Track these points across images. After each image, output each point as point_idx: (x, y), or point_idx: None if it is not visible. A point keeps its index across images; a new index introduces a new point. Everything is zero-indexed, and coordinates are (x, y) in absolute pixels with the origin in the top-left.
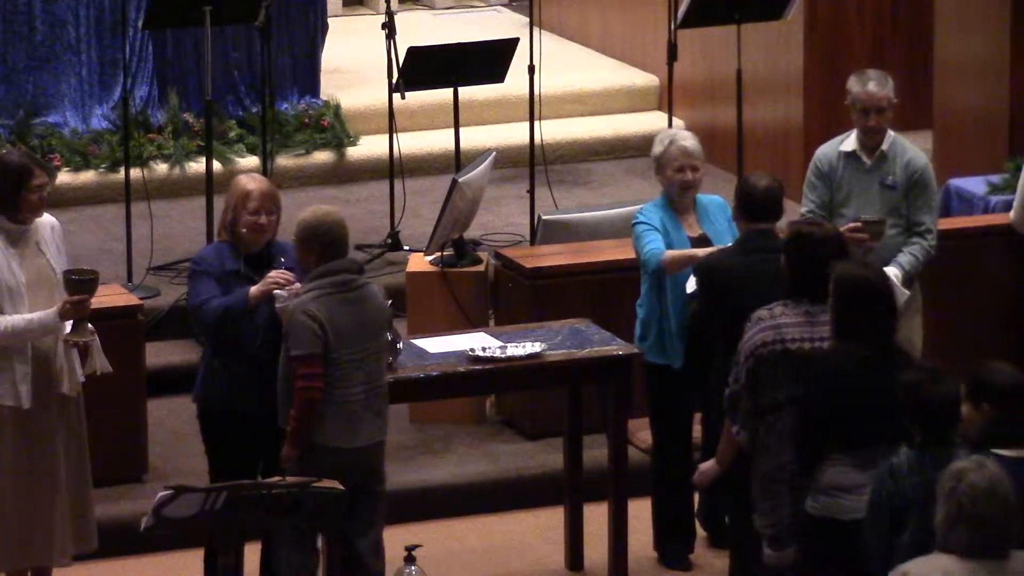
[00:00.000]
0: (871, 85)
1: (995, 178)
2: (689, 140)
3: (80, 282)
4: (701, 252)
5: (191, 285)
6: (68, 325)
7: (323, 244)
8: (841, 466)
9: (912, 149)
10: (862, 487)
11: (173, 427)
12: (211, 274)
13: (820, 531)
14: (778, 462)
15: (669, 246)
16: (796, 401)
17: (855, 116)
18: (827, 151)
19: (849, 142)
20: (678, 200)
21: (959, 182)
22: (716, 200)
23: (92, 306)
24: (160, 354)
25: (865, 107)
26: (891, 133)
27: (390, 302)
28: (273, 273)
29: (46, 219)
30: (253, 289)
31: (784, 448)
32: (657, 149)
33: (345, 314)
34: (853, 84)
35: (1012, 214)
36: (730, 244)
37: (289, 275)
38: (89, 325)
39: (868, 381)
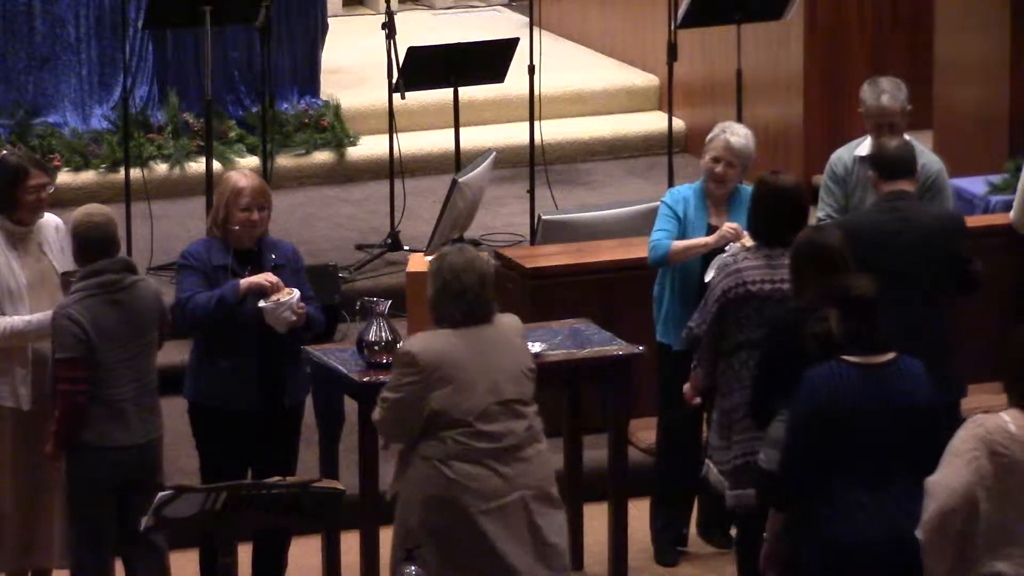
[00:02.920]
0: (884, 99)
1: (995, 178)
2: (737, 137)
3: None
4: (705, 241)
5: (179, 279)
6: None
7: (81, 245)
8: (784, 422)
9: (927, 153)
10: None
11: (173, 427)
12: (199, 269)
13: (768, 484)
14: (732, 403)
15: (682, 234)
16: (753, 344)
17: (868, 126)
18: (842, 155)
19: (864, 146)
20: (708, 187)
21: (959, 182)
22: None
23: None
24: (160, 354)
25: (877, 122)
26: (906, 138)
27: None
28: (262, 276)
29: (50, 220)
30: (243, 281)
31: (739, 390)
32: (709, 136)
33: (110, 314)
34: (866, 95)
35: (1012, 214)
36: None
37: (277, 281)
38: None
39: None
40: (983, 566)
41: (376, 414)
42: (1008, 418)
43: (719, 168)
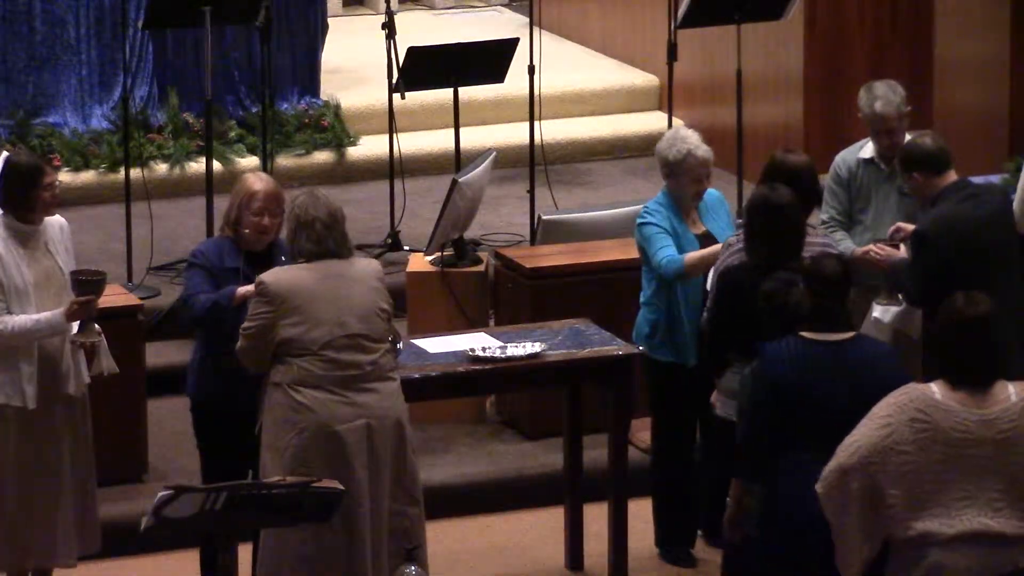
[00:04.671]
0: (878, 105)
1: (995, 178)
2: (703, 148)
3: (87, 283)
4: (716, 249)
5: (186, 276)
6: (75, 326)
7: None
8: (738, 373)
9: None
10: None
11: (173, 427)
12: (207, 268)
13: (723, 431)
14: None
15: (678, 246)
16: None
17: (869, 131)
18: (846, 157)
19: (868, 149)
20: (689, 203)
21: None
22: (714, 194)
23: None
24: (160, 354)
25: (876, 129)
26: (908, 137)
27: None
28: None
29: (55, 219)
30: (241, 288)
31: None
32: (671, 155)
33: None
34: (862, 101)
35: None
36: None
37: None
38: (96, 326)
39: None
40: (905, 528)
41: (238, 343)
42: (935, 388)
43: (705, 184)
